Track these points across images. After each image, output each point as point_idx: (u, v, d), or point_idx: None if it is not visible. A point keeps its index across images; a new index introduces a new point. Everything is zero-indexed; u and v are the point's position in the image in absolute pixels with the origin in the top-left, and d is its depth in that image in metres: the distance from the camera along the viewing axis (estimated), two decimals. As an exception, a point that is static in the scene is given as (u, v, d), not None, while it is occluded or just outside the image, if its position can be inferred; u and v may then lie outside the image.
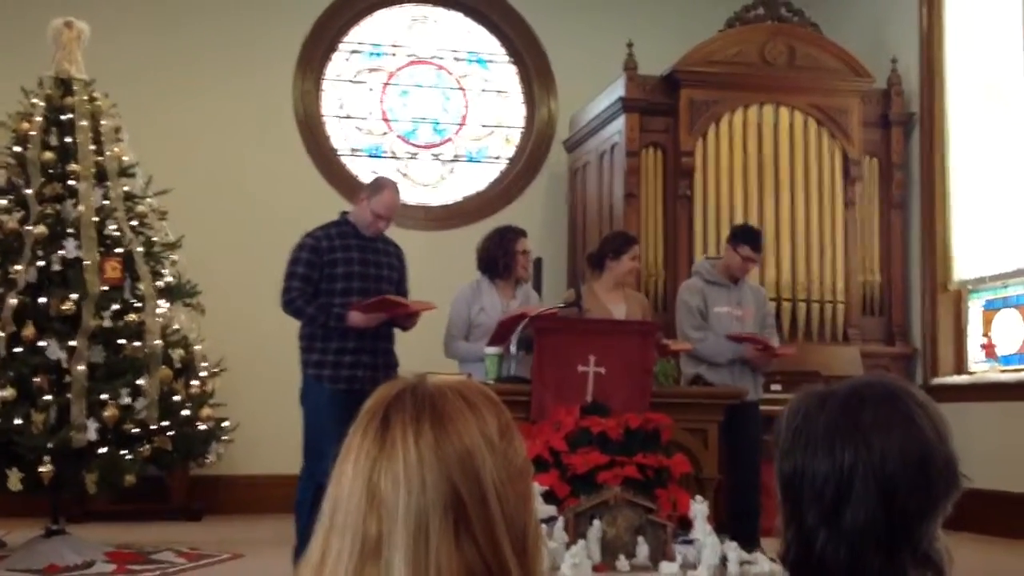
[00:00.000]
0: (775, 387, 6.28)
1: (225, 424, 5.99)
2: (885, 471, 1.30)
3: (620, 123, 7.62)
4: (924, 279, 7.67)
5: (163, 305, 5.85)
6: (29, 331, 5.40)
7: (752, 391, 5.61)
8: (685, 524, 4.06)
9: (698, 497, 4.08)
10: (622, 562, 3.92)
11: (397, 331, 5.28)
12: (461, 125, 8.96)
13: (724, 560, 3.82)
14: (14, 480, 5.22)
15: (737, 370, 5.64)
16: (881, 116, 7.90)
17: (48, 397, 5.31)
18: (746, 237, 5.84)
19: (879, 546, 1.29)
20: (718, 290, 5.78)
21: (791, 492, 1.35)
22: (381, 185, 5.28)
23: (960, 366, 7.52)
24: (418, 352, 5.30)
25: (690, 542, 3.91)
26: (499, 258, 5.44)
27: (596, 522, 3.95)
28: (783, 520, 1.38)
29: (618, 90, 7.63)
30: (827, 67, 7.73)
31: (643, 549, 3.96)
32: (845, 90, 7.74)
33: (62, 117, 5.92)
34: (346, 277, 5.10)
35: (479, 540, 1.08)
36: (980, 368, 7.41)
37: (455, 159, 8.93)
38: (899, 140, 7.90)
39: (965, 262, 7.57)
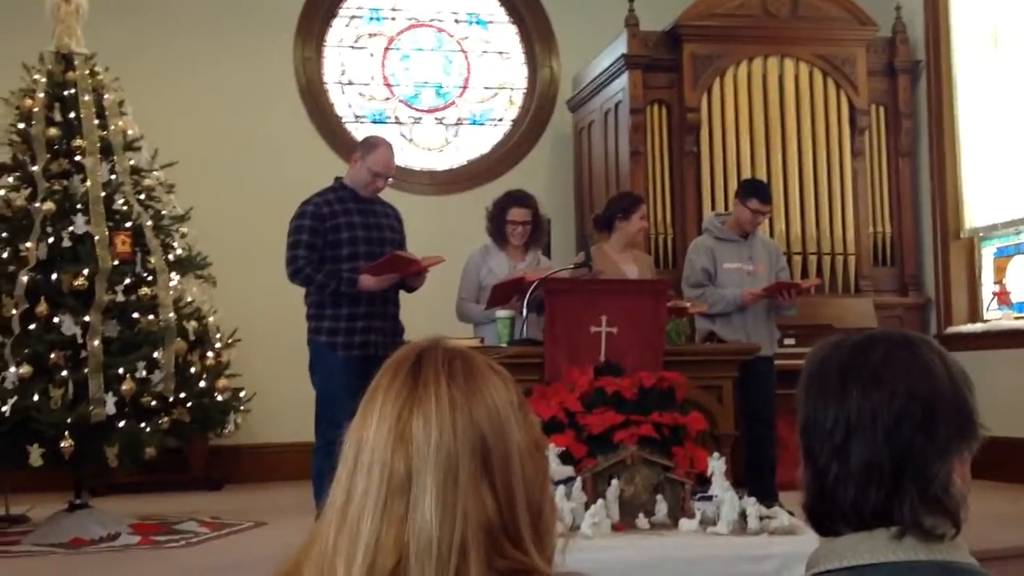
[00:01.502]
0: (788, 341, 6.29)
1: (242, 394, 6.02)
2: (891, 407, 1.32)
3: (623, 81, 7.57)
4: (935, 228, 7.64)
5: (175, 278, 5.86)
6: (43, 308, 5.42)
7: (767, 346, 5.62)
8: (703, 481, 4.08)
9: (715, 454, 4.09)
10: (641, 520, 3.94)
11: (405, 297, 5.28)
12: (463, 88, 8.91)
13: (743, 515, 3.83)
14: (35, 456, 5.25)
15: (751, 324, 5.65)
16: (887, 64, 7.84)
17: (65, 373, 5.33)
18: (754, 190, 5.83)
19: (883, 483, 1.31)
20: (728, 246, 5.77)
21: (807, 439, 1.38)
22: (375, 143, 5.25)
23: (974, 314, 7.52)
24: (423, 319, 5.32)
25: (709, 498, 3.93)
26: (495, 225, 5.48)
27: (614, 481, 3.97)
28: (802, 470, 1.40)
29: (620, 47, 7.58)
30: (831, 16, 7.66)
31: (662, 507, 3.98)
32: (850, 39, 7.68)
33: (64, 92, 5.89)
34: (351, 242, 5.09)
35: (499, 493, 1.09)
36: (994, 316, 7.41)
37: (458, 122, 8.89)
38: (906, 88, 7.84)
39: (976, 209, 7.54)
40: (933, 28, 7.71)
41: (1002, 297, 7.36)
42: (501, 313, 5.08)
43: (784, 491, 5.33)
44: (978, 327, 7.36)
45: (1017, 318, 7.15)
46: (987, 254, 7.53)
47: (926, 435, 1.32)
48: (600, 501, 3.88)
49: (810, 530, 1.43)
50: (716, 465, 4.00)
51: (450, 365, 1.13)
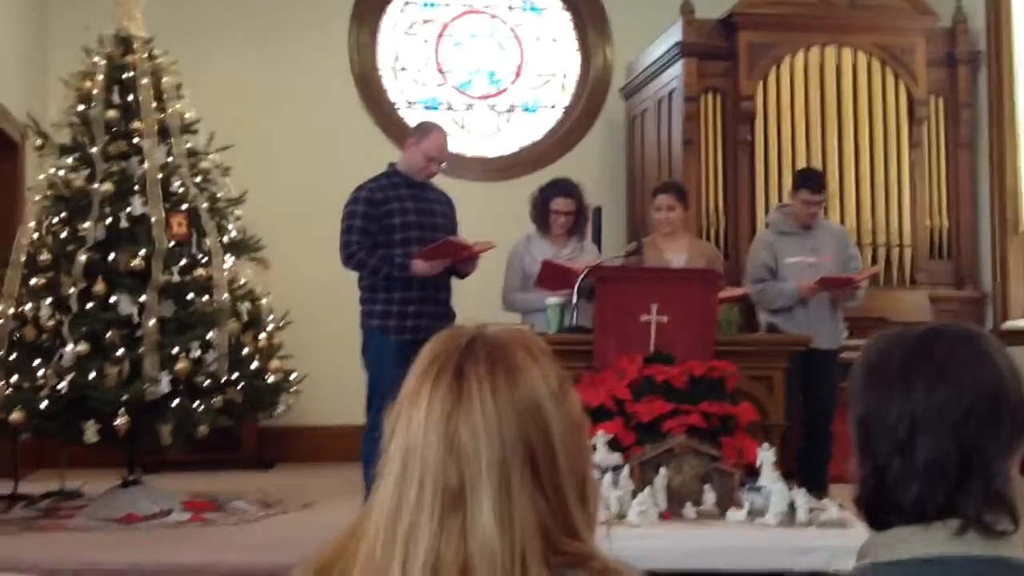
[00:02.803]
0: (843, 334, 6.22)
1: (293, 376, 6.08)
2: (960, 403, 1.31)
3: (678, 68, 7.52)
4: (993, 220, 7.52)
5: (229, 260, 5.93)
6: (100, 287, 5.51)
7: (829, 339, 5.57)
8: (751, 472, 4.05)
9: (765, 444, 4.06)
10: (688, 510, 3.93)
11: (455, 283, 5.31)
12: (516, 75, 8.91)
13: (792, 507, 3.81)
14: (90, 432, 5.35)
15: (813, 317, 5.58)
16: (947, 54, 7.71)
17: (121, 351, 5.42)
18: (804, 180, 5.76)
19: (949, 479, 1.30)
20: (789, 239, 5.72)
21: (865, 432, 1.36)
22: (428, 128, 5.29)
23: (1031, 309, 7.39)
24: (473, 303, 5.33)
25: (757, 489, 3.91)
26: (538, 214, 5.48)
27: (662, 470, 3.96)
28: (857, 463, 1.39)
29: (675, 35, 7.52)
30: (890, 5, 7.55)
31: (710, 497, 3.96)
32: (909, 28, 7.56)
33: (123, 75, 5.97)
34: (403, 227, 5.12)
35: (547, 490, 1.11)
36: (1051, 311, 7.28)
37: (511, 109, 8.89)
38: (966, 79, 7.71)
39: (1035, 203, 7.40)
40: (994, 18, 7.57)
41: (1061, 292, 7.23)
42: (551, 300, 5.08)
43: (834, 484, 5.29)
44: (1036, 322, 7.23)
45: (1076, 314, 7.02)
46: (1046, 248, 7.39)
47: (992, 431, 1.31)
48: (648, 489, 3.87)
49: (859, 523, 1.42)
50: (765, 456, 3.98)
51: (492, 367, 1.13)
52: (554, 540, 1.10)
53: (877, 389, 1.35)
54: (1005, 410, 1.31)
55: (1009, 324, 7.34)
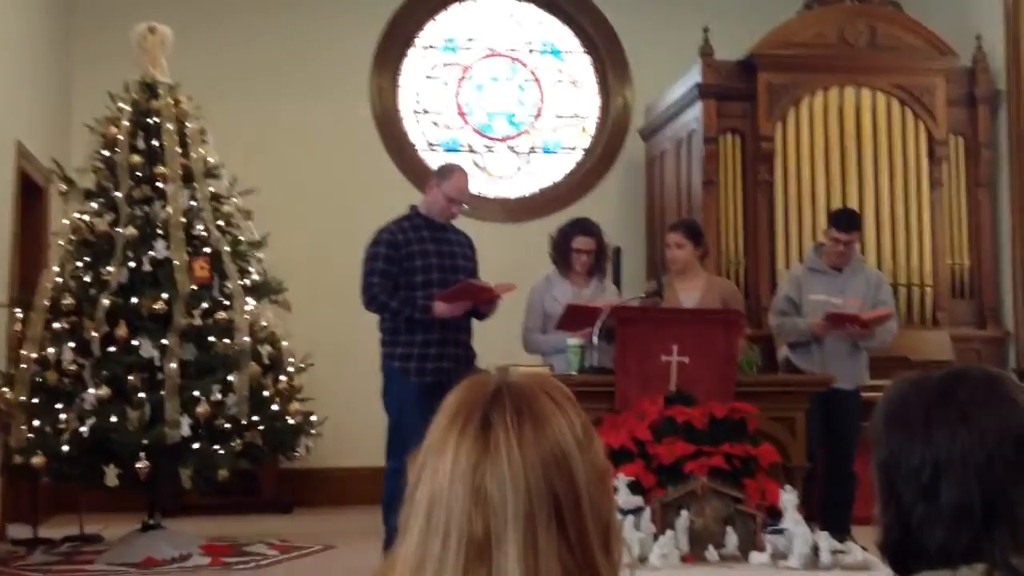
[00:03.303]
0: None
1: (313, 418, 6.08)
2: (984, 446, 1.29)
3: (697, 110, 7.55)
4: (1015, 259, 7.47)
5: (250, 302, 5.95)
6: (122, 331, 5.54)
7: (847, 378, 5.51)
8: (774, 514, 4.02)
9: (787, 487, 4.03)
10: (711, 552, 3.89)
11: (475, 323, 5.31)
12: (536, 117, 8.96)
13: (815, 549, 3.77)
14: (111, 476, 5.36)
15: (829, 355, 5.54)
16: (967, 94, 7.71)
17: (142, 395, 5.44)
18: (833, 218, 5.77)
19: (975, 524, 1.28)
20: (818, 277, 5.70)
21: (888, 477, 1.35)
22: (449, 170, 5.33)
23: (1054, 349, 7.32)
24: (495, 344, 5.34)
25: (780, 531, 3.88)
26: (560, 253, 5.49)
27: (684, 512, 3.93)
28: (880, 508, 1.37)
29: (694, 76, 7.56)
30: (909, 46, 7.56)
31: (732, 539, 3.93)
32: (928, 69, 7.56)
33: (148, 120, 6.05)
34: (425, 270, 5.14)
35: (572, 540, 1.10)
36: (1076, 350, 7.21)
37: (531, 151, 8.94)
38: (986, 118, 7.70)
39: (1058, 241, 7.36)
40: (1014, 57, 7.57)
41: (1086, 332, 7.16)
42: (572, 341, 5.07)
43: (857, 526, 5.23)
44: (1060, 362, 7.16)
45: (1102, 354, 6.94)
46: (1070, 287, 7.33)
47: (1017, 474, 1.30)
48: (669, 532, 3.84)
49: (883, 567, 1.40)
50: (788, 498, 3.94)
51: (519, 418, 1.12)
52: None
53: (899, 434, 1.34)
54: None
55: (1034, 364, 7.27)
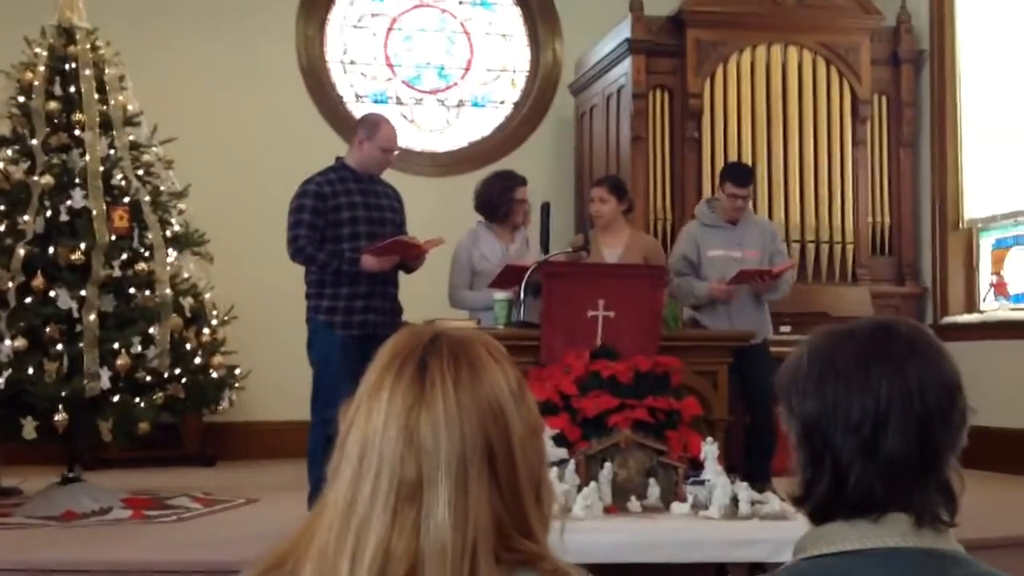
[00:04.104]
0: (784, 328, 6.27)
1: (237, 371, 6.02)
2: (924, 401, 1.31)
3: (626, 65, 7.55)
4: (934, 218, 7.64)
5: (172, 254, 5.85)
6: (39, 281, 5.41)
7: (760, 332, 5.58)
8: (696, 466, 4.08)
9: (709, 439, 4.09)
10: (633, 503, 3.94)
11: (402, 277, 5.29)
12: (466, 70, 8.89)
13: (735, 500, 3.84)
14: (29, 429, 5.26)
15: (736, 312, 5.58)
16: (891, 54, 7.82)
17: (60, 347, 5.33)
18: (728, 173, 5.72)
19: (910, 476, 1.30)
20: (714, 232, 5.69)
21: (818, 432, 1.33)
22: (377, 121, 5.26)
23: (971, 305, 7.52)
24: (420, 299, 5.33)
25: (701, 483, 3.94)
26: (499, 205, 5.45)
27: (607, 464, 3.97)
28: (802, 464, 1.36)
29: (624, 31, 7.55)
30: (836, 5, 7.64)
31: (654, 491, 3.98)
32: (854, 28, 7.66)
33: (65, 66, 5.87)
34: (352, 222, 5.08)
35: (504, 488, 1.11)
36: (990, 307, 7.41)
37: (460, 104, 8.87)
38: (909, 78, 7.82)
39: (975, 200, 7.53)
40: (937, 18, 7.68)
41: (999, 288, 7.36)
42: (499, 295, 5.07)
43: (778, 476, 5.34)
44: (974, 318, 7.36)
45: (1014, 309, 7.15)
46: (985, 245, 7.53)
47: (947, 424, 1.32)
48: (593, 484, 3.88)
49: (801, 516, 1.41)
50: (709, 450, 4.00)
51: (455, 363, 1.13)
52: (507, 538, 1.10)
53: (835, 387, 1.33)
54: (961, 404, 1.33)
55: (948, 319, 7.47)
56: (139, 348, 5.44)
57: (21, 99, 5.82)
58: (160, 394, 5.51)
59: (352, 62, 8.70)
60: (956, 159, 7.59)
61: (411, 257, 5.11)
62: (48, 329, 5.35)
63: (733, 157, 7.34)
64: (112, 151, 5.83)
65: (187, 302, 5.79)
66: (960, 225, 7.59)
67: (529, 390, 1.19)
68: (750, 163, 7.11)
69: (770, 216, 7.14)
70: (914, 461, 1.30)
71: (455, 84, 8.88)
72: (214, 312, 6.04)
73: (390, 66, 8.78)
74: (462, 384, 1.11)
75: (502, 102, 8.90)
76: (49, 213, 5.56)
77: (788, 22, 7.54)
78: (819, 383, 1.34)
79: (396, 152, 5.32)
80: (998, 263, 7.39)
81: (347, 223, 5.08)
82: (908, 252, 7.78)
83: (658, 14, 7.56)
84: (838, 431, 1.31)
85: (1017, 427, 6.70)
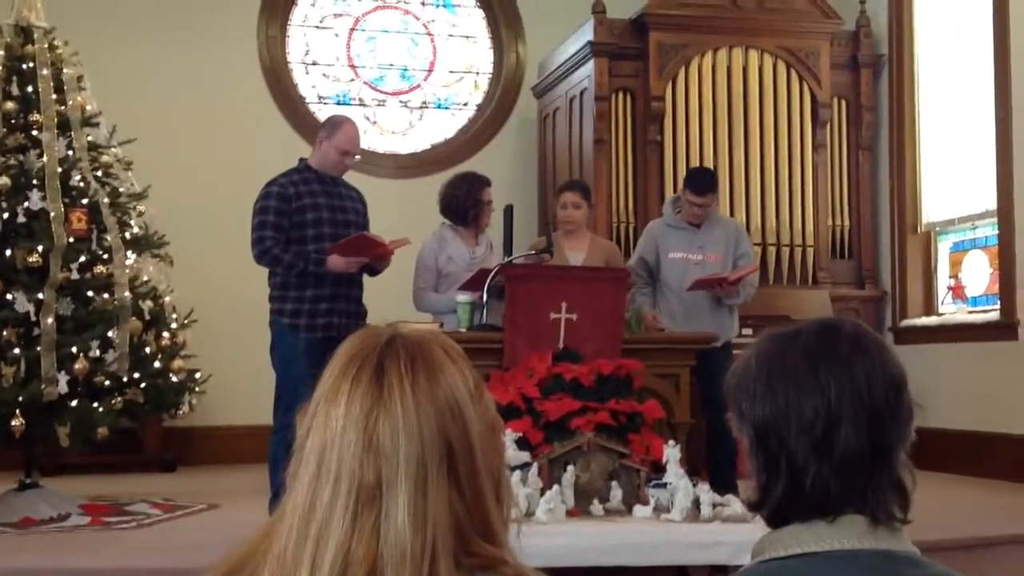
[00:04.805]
0: (746, 331, 6.30)
1: (197, 375, 5.97)
2: (873, 396, 1.31)
3: (589, 68, 7.57)
4: (893, 221, 7.72)
5: (131, 256, 5.79)
6: (-5, 284, 5.34)
7: (722, 334, 5.56)
8: (658, 469, 4.10)
9: (671, 442, 4.11)
10: (596, 507, 3.95)
11: (366, 280, 5.26)
12: (429, 71, 8.87)
13: (697, 503, 3.86)
14: (-16, 434, 5.19)
15: (692, 313, 5.56)
16: (850, 58, 7.90)
17: (17, 350, 5.25)
18: (688, 181, 5.63)
19: (864, 473, 1.31)
20: (676, 234, 5.64)
21: (771, 435, 1.34)
22: (338, 122, 5.24)
23: (929, 308, 7.61)
24: (386, 301, 5.30)
25: (663, 486, 3.95)
26: (467, 208, 5.42)
27: (570, 468, 3.98)
28: (756, 469, 1.37)
29: (587, 34, 7.58)
30: (796, 9, 7.71)
31: (617, 493, 3.99)
32: (814, 32, 7.73)
33: (23, 66, 5.79)
34: (316, 223, 5.06)
35: (464, 489, 1.10)
36: (949, 309, 7.50)
37: (423, 106, 8.86)
38: (868, 82, 7.90)
39: (933, 204, 7.62)
40: (896, 23, 7.77)
41: (957, 291, 7.45)
42: (461, 298, 5.06)
43: (742, 479, 5.35)
44: (933, 320, 7.45)
45: (971, 312, 7.24)
46: (943, 248, 7.62)
47: (896, 418, 1.33)
48: (555, 487, 3.89)
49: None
50: (671, 453, 4.02)
51: (412, 365, 1.12)
52: (467, 540, 1.10)
53: (785, 388, 1.33)
54: (908, 398, 1.34)
55: (907, 322, 7.55)
56: (97, 352, 5.38)
57: (-24, 99, 5.73)
58: (119, 399, 5.45)
59: (314, 63, 8.66)
60: (914, 163, 7.68)
61: (376, 257, 5.09)
62: (5, 333, 5.27)
63: (695, 160, 7.38)
64: (70, 152, 5.76)
65: (146, 305, 5.73)
66: (918, 229, 7.68)
67: (487, 389, 1.19)
68: (712, 166, 7.15)
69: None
70: (867, 457, 1.30)
71: (418, 86, 8.86)
72: (174, 315, 5.99)
73: (353, 67, 8.75)
74: (420, 386, 1.11)
75: (465, 104, 8.89)
76: (6, 215, 5.48)
77: (749, 26, 7.60)
78: (769, 386, 1.35)
79: (357, 156, 5.28)
80: (956, 266, 7.48)
81: (311, 224, 5.05)
82: (868, 255, 7.86)
83: (620, 17, 7.59)
84: (791, 432, 1.32)
85: (974, 429, 6.78)
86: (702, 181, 5.67)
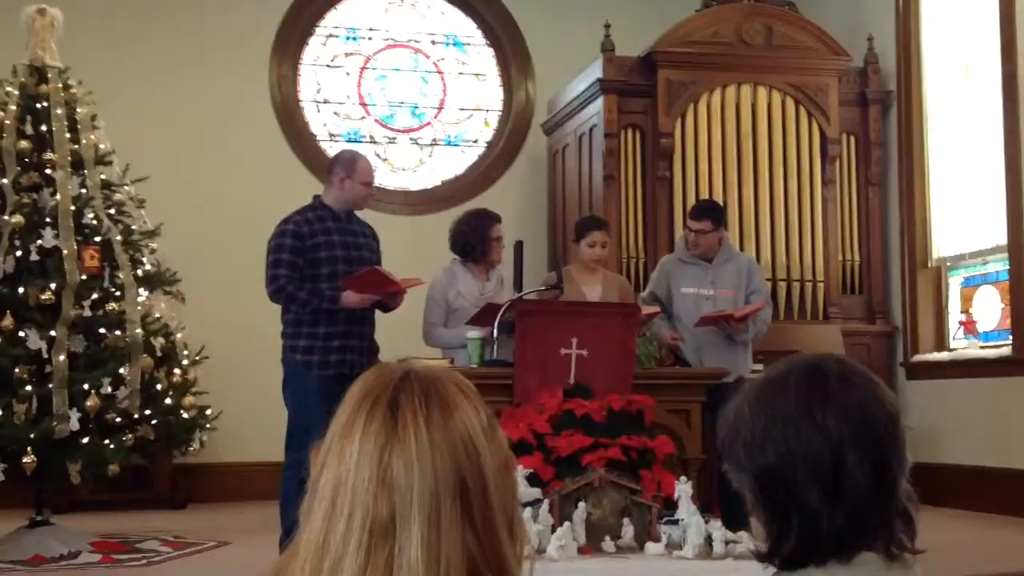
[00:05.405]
0: (757, 366, 6.28)
1: (208, 412, 5.97)
2: (873, 430, 1.31)
3: (598, 105, 7.62)
4: (903, 256, 7.71)
5: (143, 293, 5.82)
6: (8, 321, 5.36)
7: (734, 370, 5.54)
8: (670, 505, 4.08)
9: (682, 478, 4.10)
10: (608, 543, 3.94)
11: (378, 316, 5.27)
12: (439, 109, 8.93)
13: (709, 540, 3.84)
14: (-4, 471, 5.19)
15: (703, 348, 5.55)
16: (859, 94, 7.93)
17: (29, 388, 5.27)
18: (690, 211, 5.78)
19: (874, 508, 1.30)
20: (688, 269, 5.67)
21: (778, 485, 1.31)
22: (353, 158, 5.28)
23: (940, 343, 7.57)
24: (397, 338, 5.30)
25: (675, 522, 3.94)
26: (476, 244, 5.44)
27: (581, 504, 3.96)
28: (766, 518, 1.33)
29: (596, 72, 7.62)
30: (804, 46, 7.75)
31: (628, 530, 3.98)
32: (822, 69, 7.76)
33: (37, 105, 5.85)
34: (330, 261, 5.08)
35: (478, 526, 1.10)
36: (960, 345, 7.46)
37: (433, 143, 8.91)
38: (876, 118, 7.93)
39: (944, 239, 7.61)
40: (904, 59, 7.80)
41: (968, 326, 7.42)
42: (472, 334, 5.07)
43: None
44: (944, 356, 7.41)
45: (983, 347, 7.21)
46: (954, 283, 7.60)
47: (897, 450, 1.32)
48: (567, 524, 3.87)
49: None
50: (683, 489, 4.00)
51: (427, 401, 1.12)
52: (480, 574, 1.09)
53: (784, 435, 1.31)
54: (902, 428, 1.34)
55: (918, 357, 7.52)
56: (109, 389, 5.39)
57: (-8, 138, 5.79)
58: (130, 435, 5.46)
59: (325, 101, 8.72)
60: (924, 198, 7.68)
61: (388, 293, 5.10)
62: (17, 370, 5.29)
63: (704, 196, 7.39)
64: (83, 190, 5.80)
65: (158, 342, 5.75)
66: (929, 264, 7.67)
67: (499, 426, 1.19)
68: (721, 202, 7.16)
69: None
70: (875, 492, 1.30)
71: (428, 123, 8.92)
72: (185, 352, 6.00)
73: (364, 105, 8.81)
74: (434, 422, 1.11)
75: (475, 141, 8.94)
76: (19, 253, 5.52)
77: (757, 63, 7.64)
78: (767, 434, 1.32)
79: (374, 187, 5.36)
80: (967, 301, 7.46)
81: (325, 262, 5.07)
82: (878, 290, 7.85)
83: (629, 54, 7.64)
84: (799, 479, 1.29)
85: (987, 465, 6.73)
86: (699, 207, 5.81)
